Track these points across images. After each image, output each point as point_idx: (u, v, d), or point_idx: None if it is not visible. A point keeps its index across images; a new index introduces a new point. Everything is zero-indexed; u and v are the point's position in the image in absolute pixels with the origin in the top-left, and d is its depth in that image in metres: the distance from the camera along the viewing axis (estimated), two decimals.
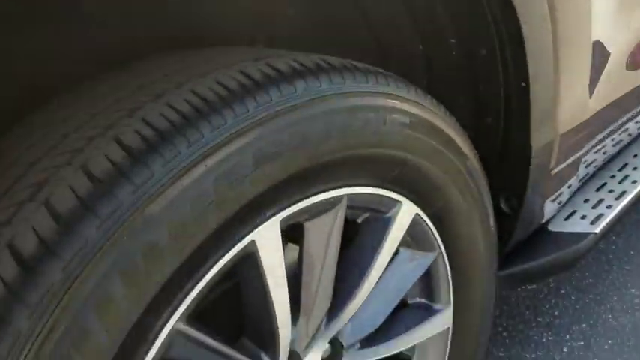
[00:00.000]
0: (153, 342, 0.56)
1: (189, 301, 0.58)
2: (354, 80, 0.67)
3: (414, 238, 0.86)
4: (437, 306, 0.94)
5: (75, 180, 0.51)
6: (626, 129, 1.55)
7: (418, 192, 0.81)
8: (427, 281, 0.93)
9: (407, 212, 0.81)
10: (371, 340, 0.86)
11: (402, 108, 0.72)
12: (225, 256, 0.59)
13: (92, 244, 0.49)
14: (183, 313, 0.58)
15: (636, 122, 1.61)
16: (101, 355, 0.51)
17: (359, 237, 0.81)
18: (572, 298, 1.59)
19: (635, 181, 1.48)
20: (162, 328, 0.57)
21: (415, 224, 0.83)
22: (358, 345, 0.85)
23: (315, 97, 0.62)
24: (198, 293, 0.58)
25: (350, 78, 0.67)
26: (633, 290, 1.60)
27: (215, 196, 0.55)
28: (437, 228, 0.87)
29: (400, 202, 0.79)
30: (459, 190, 0.85)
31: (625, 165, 1.57)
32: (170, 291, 0.56)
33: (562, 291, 1.61)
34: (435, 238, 0.87)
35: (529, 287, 1.63)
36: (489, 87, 0.94)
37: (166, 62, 0.66)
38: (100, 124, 0.55)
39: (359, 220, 0.81)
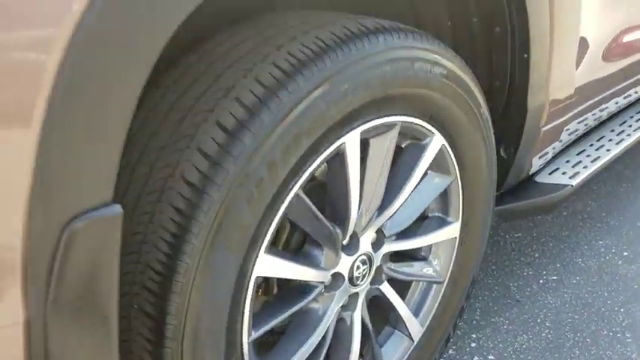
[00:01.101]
0: (280, 206, 0.87)
1: (305, 176, 0.89)
2: (413, 39, 0.98)
3: (437, 163, 1.17)
4: (449, 219, 1.26)
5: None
6: (606, 107, 1.87)
7: (445, 127, 1.12)
8: (443, 200, 1.24)
9: (437, 142, 1.12)
10: (401, 235, 1.18)
11: (442, 62, 1.03)
12: (329, 149, 0.90)
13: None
14: (301, 184, 0.89)
15: (616, 102, 1.93)
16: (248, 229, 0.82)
17: (402, 157, 1.12)
18: (550, 244, 1.92)
19: (609, 150, 1.81)
20: (288, 194, 0.87)
21: (440, 152, 1.15)
22: (394, 237, 1.16)
23: (390, 48, 0.93)
24: (310, 172, 0.89)
25: (411, 37, 0.97)
26: (601, 242, 1.93)
27: (326, 110, 0.86)
28: (455, 157, 1.18)
29: (433, 133, 1.10)
30: (473, 129, 1.16)
31: (602, 137, 1.90)
32: (295, 170, 0.86)
33: (542, 239, 1.95)
34: (453, 165, 1.19)
35: (515, 235, 1.96)
36: (500, 57, 1.26)
37: (284, 20, 0.96)
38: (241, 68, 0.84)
39: (403, 145, 1.12)
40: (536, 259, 1.85)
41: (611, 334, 1.54)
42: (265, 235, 0.88)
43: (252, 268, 0.88)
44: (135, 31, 0.64)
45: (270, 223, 0.87)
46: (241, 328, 0.91)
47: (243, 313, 0.90)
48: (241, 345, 0.92)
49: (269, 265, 0.91)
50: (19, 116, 0.58)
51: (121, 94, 0.64)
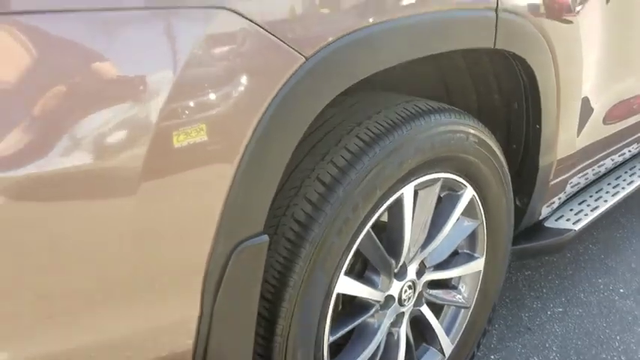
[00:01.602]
0: (357, 239, 1.17)
1: (375, 217, 1.19)
2: (454, 117, 1.29)
3: (468, 210, 1.47)
4: (476, 255, 1.55)
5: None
6: (603, 164, 2.18)
7: (476, 181, 1.42)
8: (471, 239, 1.54)
9: (468, 193, 1.42)
10: (438, 267, 1.47)
11: (474, 133, 1.34)
12: (392, 197, 1.21)
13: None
14: (372, 223, 1.19)
15: (611, 159, 2.24)
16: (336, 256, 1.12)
17: (441, 205, 1.43)
18: (556, 282, 2.20)
19: (606, 200, 2.10)
20: (363, 230, 1.18)
21: (471, 201, 1.45)
22: (432, 268, 1.45)
23: (438, 124, 1.24)
24: (379, 214, 1.20)
25: (453, 115, 1.29)
26: (600, 280, 2.21)
27: (394, 170, 1.17)
28: (482, 205, 1.48)
29: (466, 186, 1.41)
30: (496, 183, 1.47)
31: (601, 189, 2.20)
32: (370, 213, 1.17)
33: (549, 277, 2.23)
34: (480, 212, 1.49)
35: (526, 272, 2.25)
36: (517, 126, 1.57)
37: (363, 101, 1.27)
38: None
39: (442, 195, 1.43)
40: (544, 293, 2.13)
41: (609, 357, 1.81)
42: (345, 261, 1.17)
43: (335, 286, 1.18)
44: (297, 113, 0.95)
45: (350, 252, 1.17)
46: (324, 332, 1.20)
47: (326, 320, 1.19)
48: (323, 345, 1.21)
49: (346, 285, 1.21)
50: (220, 168, 0.88)
51: (282, 153, 0.95)
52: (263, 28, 0.85)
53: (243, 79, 0.86)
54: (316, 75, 0.93)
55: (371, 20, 1.00)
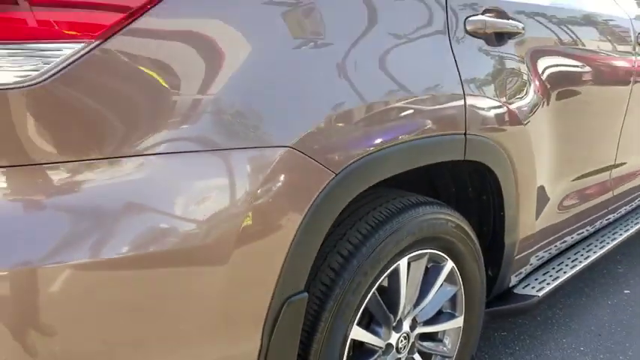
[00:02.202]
0: (367, 297, 1.60)
1: (378, 283, 1.62)
2: (437, 207, 1.75)
3: (449, 277, 1.90)
4: (456, 314, 1.97)
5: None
6: (565, 241, 2.64)
7: (455, 256, 1.86)
8: (453, 301, 1.96)
9: (449, 265, 1.87)
10: (426, 322, 1.89)
11: (453, 219, 1.80)
12: (392, 267, 1.65)
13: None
14: (376, 287, 1.62)
15: (571, 237, 2.70)
16: (352, 310, 1.55)
17: (427, 275, 1.86)
18: (527, 341, 2.61)
19: (565, 272, 2.55)
20: (370, 291, 1.61)
21: (451, 271, 1.89)
22: (422, 323, 1.87)
23: (426, 213, 1.70)
24: (381, 280, 1.63)
25: (437, 206, 1.75)
26: (564, 340, 2.62)
27: (393, 247, 1.61)
28: (460, 274, 1.92)
29: (447, 259, 1.85)
30: (471, 257, 1.91)
31: (561, 262, 2.65)
32: (375, 279, 1.60)
33: (521, 337, 2.63)
34: (459, 279, 1.92)
35: (502, 333, 2.65)
36: (486, 213, 2.03)
37: (372, 195, 1.73)
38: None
39: (428, 266, 1.87)
40: (516, 351, 2.53)
41: None
42: (357, 315, 1.60)
43: (350, 333, 1.59)
44: (329, 210, 1.40)
45: (360, 308, 1.60)
46: None
47: (344, 356, 1.60)
48: None
49: (357, 333, 1.63)
50: (280, 245, 1.32)
51: (319, 236, 1.39)
52: (312, 158, 1.32)
53: (296, 190, 1.32)
54: (342, 184, 1.40)
55: (381, 145, 1.48)
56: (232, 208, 1.23)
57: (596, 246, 2.78)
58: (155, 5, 1.13)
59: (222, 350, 1.31)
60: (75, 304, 1.10)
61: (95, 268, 1.11)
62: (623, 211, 3.10)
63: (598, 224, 2.87)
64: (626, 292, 3.10)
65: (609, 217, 2.96)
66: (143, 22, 1.12)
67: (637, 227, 3.09)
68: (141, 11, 1.12)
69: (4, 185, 1.07)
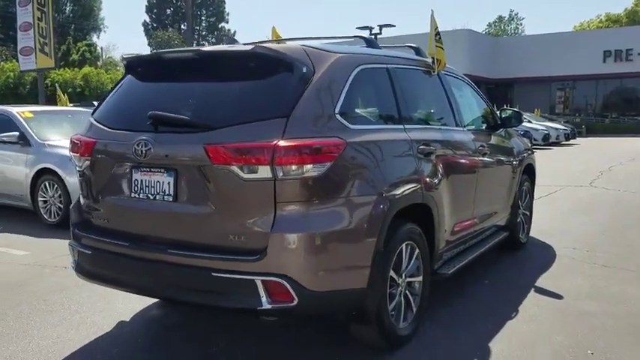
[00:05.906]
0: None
1: (396, 253, 4.05)
2: (413, 225, 4.25)
3: (417, 258, 4.34)
4: (420, 275, 4.41)
5: None
6: (461, 248, 5.27)
7: (419, 247, 4.32)
8: (418, 268, 4.39)
9: (417, 251, 4.32)
10: (409, 276, 4.29)
11: (417, 230, 4.29)
12: (399, 248, 4.08)
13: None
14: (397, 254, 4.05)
15: (462, 246, 5.33)
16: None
17: (409, 254, 4.30)
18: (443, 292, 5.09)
19: (460, 263, 5.12)
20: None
21: (417, 254, 4.32)
22: (408, 276, 4.28)
23: (410, 229, 4.18)
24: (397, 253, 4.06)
25: (414, 224, 4.25)
26: (455, 300, 5.15)
27: (399, 241, 4.05)
28: (421, 257, 4.37)
29: (416, 248, 4.31)
30: (424, 249, 4.39)
31: (456, 259, 5.23)
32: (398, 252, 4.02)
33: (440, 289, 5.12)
34: (420, 259, 4.37)
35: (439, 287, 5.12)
36: (430, 228, 4.56)
37: None
38: None
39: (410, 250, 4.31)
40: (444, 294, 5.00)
41: None
42: (391, 265, 3.99)
43: (389, 273, 3.98)
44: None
45: (391, 263, 4.00)
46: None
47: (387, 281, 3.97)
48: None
49: (392, 273, 4.02)
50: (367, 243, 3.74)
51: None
52: None
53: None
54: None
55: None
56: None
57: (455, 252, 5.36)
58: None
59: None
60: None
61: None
62: (482, 235, 5.83)
63: (471, 241, 5.55)
64: (486, 282, 5.74)
65: (476, 238, 5.67)
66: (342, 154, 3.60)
67: (491, 244, 5.83)
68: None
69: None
